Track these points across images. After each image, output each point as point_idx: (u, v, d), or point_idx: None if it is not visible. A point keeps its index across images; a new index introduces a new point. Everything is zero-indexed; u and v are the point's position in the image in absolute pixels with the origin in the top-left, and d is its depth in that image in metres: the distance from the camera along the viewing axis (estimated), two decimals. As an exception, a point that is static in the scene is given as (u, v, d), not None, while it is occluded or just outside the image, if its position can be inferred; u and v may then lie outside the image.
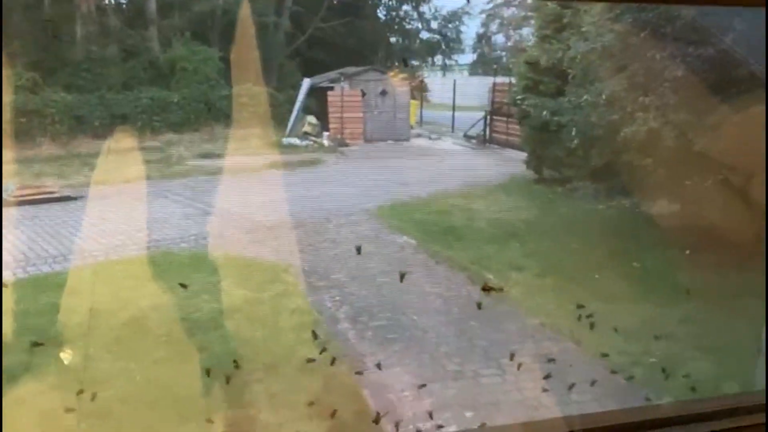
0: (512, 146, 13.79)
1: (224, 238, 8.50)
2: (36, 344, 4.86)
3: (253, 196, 10.52)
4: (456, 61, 23.06)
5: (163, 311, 5.97)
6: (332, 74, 16.26)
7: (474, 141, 15.72)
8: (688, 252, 6.80)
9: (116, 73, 14.82)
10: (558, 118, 8.70)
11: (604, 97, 7.28)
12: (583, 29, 7.87)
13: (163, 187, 10.99)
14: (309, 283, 7.00)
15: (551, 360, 4.97)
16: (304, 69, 16.62)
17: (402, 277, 6.22)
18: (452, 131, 17.36)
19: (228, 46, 14.54)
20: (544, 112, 8.96)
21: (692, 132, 6.62)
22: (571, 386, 4.26)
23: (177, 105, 14.52)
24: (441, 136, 16.86)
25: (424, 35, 21.06)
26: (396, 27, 20.95)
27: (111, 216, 9.34)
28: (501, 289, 5.68)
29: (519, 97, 9.83)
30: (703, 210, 7.01)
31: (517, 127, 12.99)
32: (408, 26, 21.01)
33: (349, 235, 8.84)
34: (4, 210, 9.69)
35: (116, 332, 5.61)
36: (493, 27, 22.86)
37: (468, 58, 23.34)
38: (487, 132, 15.52)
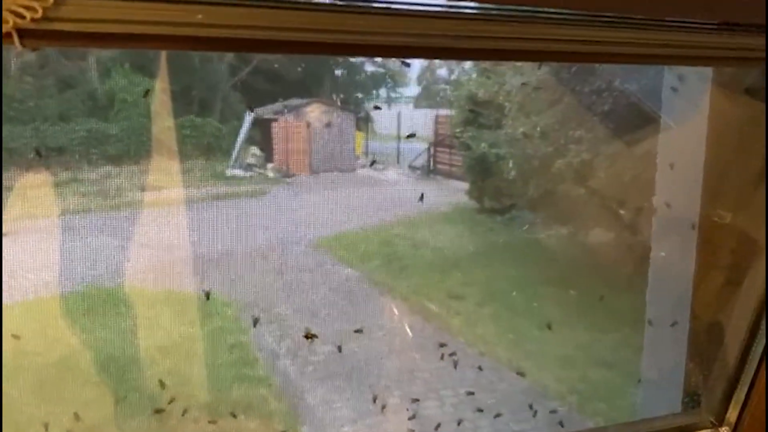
0: (455, 177, 14.00)
1: (162, 272, 8.29)
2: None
3: (194, 229, 10.32)
4: (401, 93, 23.44)
5: (94, 350, 5.76)
6: (277, 106, 16.27)
7: (418, 172, 15.90)
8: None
9: (52, 105, 14.43)
10: (496, 150, 8.93)
11: (539, 129, 7.52)
12: (519, 64, 8.15)
13: (100, 220, 10.67)
14: (249, 317, 6.89)
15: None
16: (249, 100, 16.58)
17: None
18: (397, 162, 17.54)
19: (171, 76, 14.38)
20: (483, 144, 9.18)
21: (623, 163, 6.91)
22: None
23: (116, 137, 14.19)
24: (386, 166, 17.01)
25: (369, 68, 21.35)
26: (341, 60, 21.18)
27: (41, 251, 9.00)
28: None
29: (458, 129, 10.04)
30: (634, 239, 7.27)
31: (459, 158, 13.24)
32: (353, 59, 21.27)
33: (292, 267, 8.76)
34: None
35: (43, 373, 5.37)
36: (437, 61, 23.37)
37: (413, 90, 23.74)
38: (431, 163, 15.75)
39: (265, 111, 16.40)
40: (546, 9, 0.94)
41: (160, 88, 15.20)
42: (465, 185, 12.41)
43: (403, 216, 11.46)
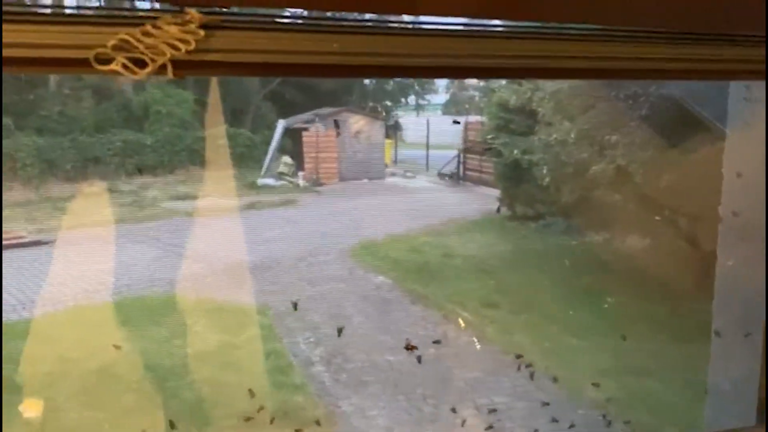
0: (485, 183, 13.96)
1: (198, 281, 8.40)
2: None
3: (227, 238, 10.45)
4: (429, 101, 23.45)
5: (133, 358, 5.86)
6: (307, 115, 16.41)
7: (448, 179, 15.90)
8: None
9: (89, 117, 14.77)
10: (529, 156, 8.87)
11: (572, 135, 7.45)
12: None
13: (137, 230, 10.88)
14: (284, 324, 6.94)
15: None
16: (280, 110, 16.76)
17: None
18: (427, 170, 17.54)
19: (203, 88, 14.63)
20: (515, 151, 9.13)
21: (655, 170, 6.81)
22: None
23: (151, 147, 14.47)
24: (416, 174, 17.02)
25: (398, 76, 21.41)
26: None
27: (81, 260, 9.20)
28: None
29: (490, 136, 10.00)
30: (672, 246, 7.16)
31: (489, 165, 13.18)
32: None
33: (324, 274, 8.80)
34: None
35: (85, 380, 5.47)
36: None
37: (441, 98, 23.75)
38: (461, 170, 15.72)
39: (296, 120, 16.55)
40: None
41: (194, 99, 15.33)
42: (495, 192, 12.36)
43: (433, 224, 11.45)
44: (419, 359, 5.10)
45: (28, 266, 9.26)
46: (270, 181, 15.16)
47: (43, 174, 13.72)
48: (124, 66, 0.72)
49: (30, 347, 6.17)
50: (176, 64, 0.74)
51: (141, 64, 0.73)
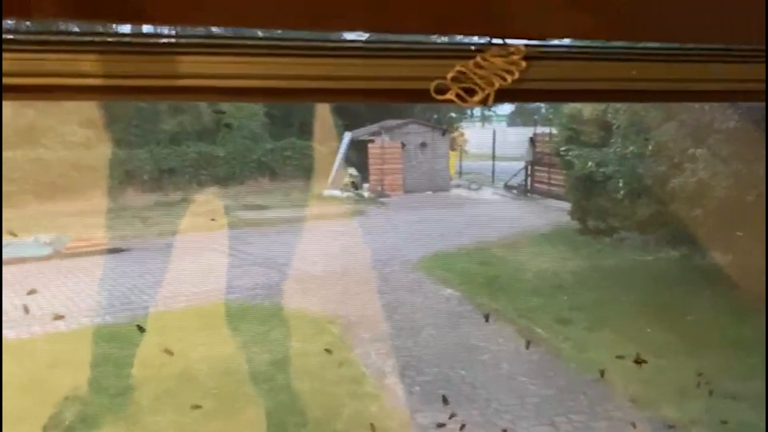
0: (554, 196, 13.72)
1: (271, 289, 8.58)
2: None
3: (297, 247, 10.65)
4: (494, 112, 23.30)
5: (213, 363, 6.03)
6: (373, 127, 16.58)
7: (515, 191, 15.70)
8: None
9: (165, 129, 15.38)
10: (603, 169, 8.66)
11: (650, 147, 7.24)
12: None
13: (210, 239, 11.21)
14: (355, 334, 6.99)
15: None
16: (346, 122, 17.00)
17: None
18: (492, 181, 17.39)
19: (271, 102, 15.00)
20: (589, 163, 8.93)
21: (744, 183, 6.52)
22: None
23: (223, 159, 14.94)
24: (481, 186, 16.90)
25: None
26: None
27: (159, 268, 9.56)
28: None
29: (563, 148, 9.82)
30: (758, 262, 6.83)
31: (559, 177, 12.95)
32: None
33: (392, 285, 8.82)
34: (59, 261, 10.02)
35: (166, 384, 5.66)
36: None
37: (506, 108, 23.55)
38: (529, 182, 15.50)
39: (362, 132, 16.74)
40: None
41: (264, 112, 15.70)
42: (565, 205, 12.11)
43: (501, 236, 11.32)
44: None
45: (108, 272, 9.70)
46: (336, 192, 15.37)
47: (121, 184, 14.37)
48: (458, 95, 0.79)
49: (114, 351, 6.46)
50: (498, 92, 0.81)
51: (468, 92, 0.80)
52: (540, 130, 16.65)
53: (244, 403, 5.18)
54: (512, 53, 0.81)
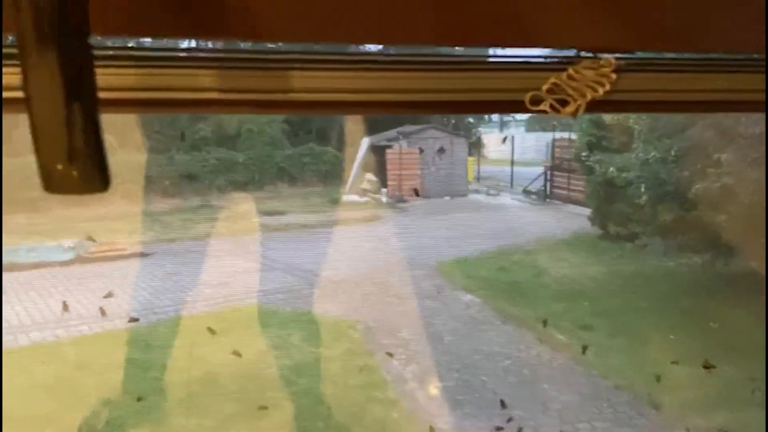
0: (574, 202, 13.63)
1: (290, 294, 8.62)
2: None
3: (316, 252, 10.68)
4: (513, 117, 23.23)
5: (234, 367, 6.06)
6: (391, 133, 16.60)
7: (534, 196, 15.62)
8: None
9: (185, 135, 15.52)
10: (625, 174, 8.59)
11: (673, 153, 7.18)
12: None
13: (230, 243, 11.29)
14: (375, 340, 6.99)
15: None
16: (364, 128, 17.04)
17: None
18: (511, 187, 17.32)
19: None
20: (611, 168, 8.86)
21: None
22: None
23: (242, 165, 15.05)
24: (499, 191, 16.84)
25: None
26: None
27: (180, 272, 9.64)
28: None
29: (584, 153, 9.76)
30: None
31: (579, 182, 12.87)
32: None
33: (412, 291, 8.82)
34: (82, 266, 10.14)
35: (189, 389, 5.71)
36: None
37: (524, 114, 23.45)
38: (548, 187, 15.42)
39: (380, 138, 16.76)
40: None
41: (283, 118, 15.80)
42: (585, 210, 12.01)
43: (521, 242, 11.26)
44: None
45: (130, 277, 9.80)
46: (354, 197, 15.41)
47: (143, 189, 14.51)
48: (551, 106, 0.82)
49: (138, 354, 6.53)
50: (588, 103, 0.84)
51: (560, 103, 0.83)
52: (559, 135, 16.57)
53: (269, 408, 5.20)
54: (603, 66, 0.84)
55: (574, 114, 0.84)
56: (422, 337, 6.97)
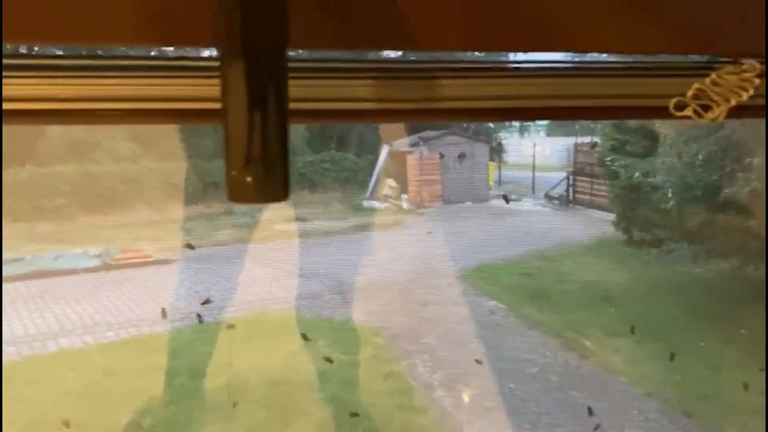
0: (597, 207, 13.51)
1: (313, 300, 8.64)
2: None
3: (338, 259, 10.70)
4: (533, 121, 23.12)
5: (260, 373, 6.09)
6: (412, 138, 16.60)
7: (556, 202, 15.51)
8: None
9: (208, 143, 15.64)
10: (651, 179, 8.50)
11: (700, 157, 7.09)
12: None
13: (252, 250, 11.36)
14: (400, 346, 6.98)
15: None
16: (384, 134, 17.07)
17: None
18: (532, 192, 17.22)
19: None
20: (636, 173, 8.77)
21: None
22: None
23: (264, 171, 15.11)
24: (521, 196, 16.75)
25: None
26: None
27: (204, 279, 9.71)
28: None
29: (609, 158, 9.68)
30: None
31: (602, 187, 12.76)
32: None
33: (435, 297, 8.79)
34: (108, 273, 10.26)
35: (215, 395, 5.74)
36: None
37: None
38: (570, 192, 15.30)
39: (401, 144, 16.77)
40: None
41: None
42: (608, 216, 11.89)
43: (544, 247, 11.17)
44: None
45: (156, 283, 9.89)
46: (375, 203, 15.42)
47: (166, 197, 14.66)
48: (694, 111, 0.82)
49: (164, 360, 6.57)
50: (730, 109, 0.84)
51: (703, 109, 0.84)
52: (581, 139, 16.46)
53: (295, 413, 5.21)
54: (746, 71, 0.84)
55: (715, 119, 0.84)
56: (447, 344, 6.94)
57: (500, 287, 8.87)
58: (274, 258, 10.79)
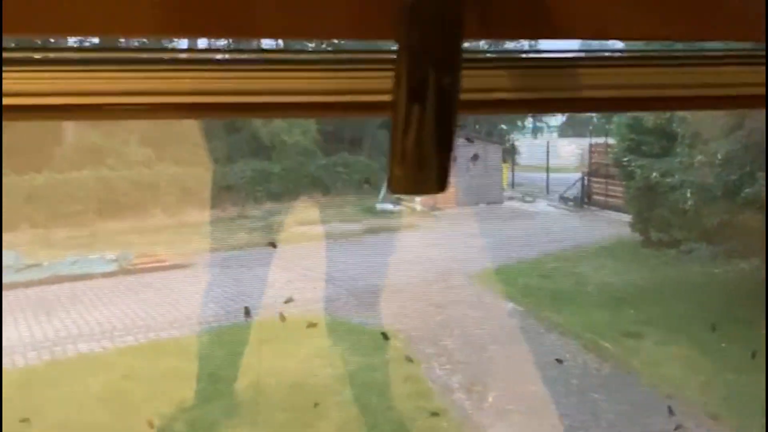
0: (612, 208, 13.41)
1: (329, 303, 8.64)
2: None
3: (353, 261, 10.70)
4: (546, 123, 23.03)
5: (279, 377, 6.09)
6: (424, 141, 16.57)
7: (571, 203, 15.42)
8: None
9: (221, 147, 15.72)
10: (669, 179, 8.42)
11: (720, 156, 7.03)
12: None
13: (268, 253, 11.37)
14: (418, 349, 6.96)
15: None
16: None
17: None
18: (547, 193, 17.13)
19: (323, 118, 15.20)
20: (654, 173, 8.69)
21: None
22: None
23: (278, 175, 15.18)
24: (535, 198, 16.67)
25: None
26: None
27: (221, 283, 9.74)
28: None
29: (626, 158, 9.60)
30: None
31: (617, 188, 12.68)
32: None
33: (452, 300, 8.76)
34: (125, 277, 10.32)
35: (237, 398, 5.75)
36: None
37: (558, 119, 23.22)
38: (585, 194, 15.21)
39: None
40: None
41: (316, 129, 15.93)
42: (624, 216, 11.79)
43: (560, 249, 11.11)
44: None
45: (173, 288, 9.94)
46: (388, 206, 15.41)
47: (180, 201, 14.73)
48: None
49: (184, 365, 6.60)
50: None
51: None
52: (595, 140, 16.37)
53: (317, 416, 5.21)
54: None
55: None
56: (465, 346, 6.92)
57: (517, 289, 8.82)
58: (289, 261, 10.80)
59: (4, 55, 0.69)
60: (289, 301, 7.31)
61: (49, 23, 0.65)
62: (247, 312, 7.01)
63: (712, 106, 0.98)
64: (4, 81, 0.67)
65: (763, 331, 6.81)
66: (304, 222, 13.66)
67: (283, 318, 6.48)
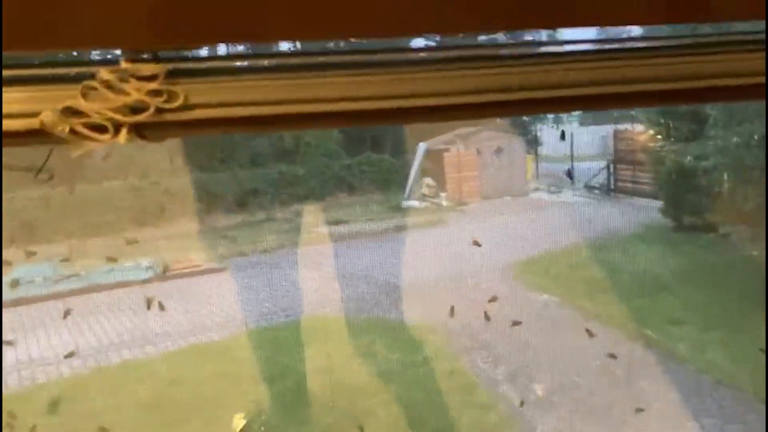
0: (640, 194, 13.28)
1: (363, 302, 8.67)
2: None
3: (383, 259, 10.72)
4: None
5: (322, 376, 6.14)
6: (447, 136, 16.55)
7: (597, 191, 15.29)
8: None
9: (245, 151, 15.85)
10: (704, 162, 8.31)
11: (756, 137, 6.92)
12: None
13: (299, 254, 11.45)
14: (457, 343, 6.97)
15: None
16: (419, 133, 17.06)
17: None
18: (572, 183, 17.00)
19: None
20: (688, 157, 8.59)
21: None
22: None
23: (303, 177, 15.26)
24: (560, 188, 16.55)
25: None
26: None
27: (254, 285, 9.83)
28: None
29: (659, 144, 9.50)
30: None
31: (644, 174, 12.55)
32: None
33: (486, 293, 8.73)
34: (161, 284, 10.45)
35: (284, 398, 5.80)
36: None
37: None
38: (611, 181, 15.07)
39: (437, 142, 16.75)
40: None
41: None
42: (653, 203, 11.66)
43: (591, 237, 11.01)
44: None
45: (209, 291, 10.05)
46: (414, 202, 15.41)
47: (208, 206, 14.87)
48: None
49: (227, 367, 6.67)
50: None
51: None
52: (618, 126, 16.21)
53: (364, 415, 5.24)
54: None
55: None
56: (504, 339, 6.91)
57: (550, 279, 8.79)
58: (319, 261, 10.87)
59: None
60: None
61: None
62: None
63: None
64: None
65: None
66: (331, 222, 13.72)
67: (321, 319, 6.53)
